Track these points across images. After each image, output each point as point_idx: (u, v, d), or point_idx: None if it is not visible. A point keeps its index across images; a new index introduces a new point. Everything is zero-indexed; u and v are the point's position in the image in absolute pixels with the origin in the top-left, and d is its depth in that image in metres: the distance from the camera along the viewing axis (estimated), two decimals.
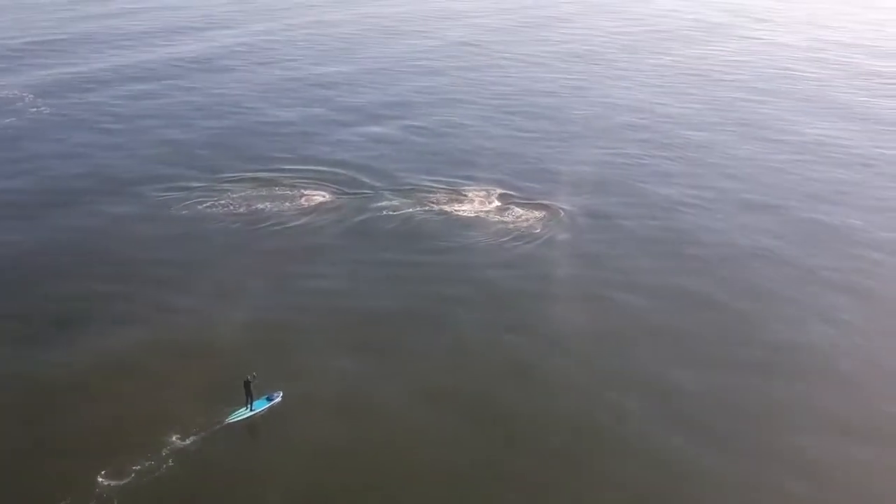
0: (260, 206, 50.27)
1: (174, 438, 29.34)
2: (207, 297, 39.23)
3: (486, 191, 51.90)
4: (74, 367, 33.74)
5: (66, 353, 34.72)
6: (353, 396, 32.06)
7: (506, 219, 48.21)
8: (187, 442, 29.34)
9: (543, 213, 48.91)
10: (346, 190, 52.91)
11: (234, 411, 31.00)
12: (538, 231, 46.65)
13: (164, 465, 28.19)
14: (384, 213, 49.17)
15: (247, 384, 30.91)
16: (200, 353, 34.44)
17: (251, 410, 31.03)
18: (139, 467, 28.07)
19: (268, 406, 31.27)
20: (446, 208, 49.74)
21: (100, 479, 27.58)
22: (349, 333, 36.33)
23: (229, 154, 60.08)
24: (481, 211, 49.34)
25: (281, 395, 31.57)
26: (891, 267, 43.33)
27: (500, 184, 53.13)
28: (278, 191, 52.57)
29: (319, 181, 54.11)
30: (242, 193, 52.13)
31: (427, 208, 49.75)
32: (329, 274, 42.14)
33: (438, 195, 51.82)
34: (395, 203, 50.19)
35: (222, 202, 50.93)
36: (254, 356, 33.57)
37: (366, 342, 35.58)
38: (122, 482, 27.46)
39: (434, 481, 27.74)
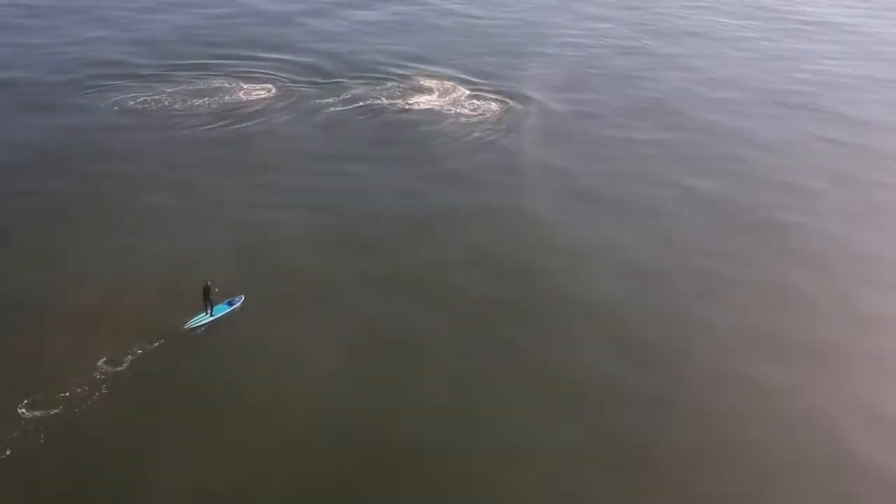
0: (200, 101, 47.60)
1: (130, 349, 27.82)
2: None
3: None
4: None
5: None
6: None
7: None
8: (140, 352, 27.85)
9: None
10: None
11: (193, 317, 29.76)
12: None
13: (122, 371, 26.82)
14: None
15: (206, 290, 29.60)
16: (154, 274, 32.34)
17: (211, 315, 29.89)
18: (100, 375, 26.67)
19: (229, 310, 30.05)
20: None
21: (99, 366, 26.76)
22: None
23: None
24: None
25: (243, 298, 30.37)
26: None
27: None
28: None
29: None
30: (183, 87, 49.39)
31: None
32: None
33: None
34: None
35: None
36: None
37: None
38: (90, 384, 26.13)
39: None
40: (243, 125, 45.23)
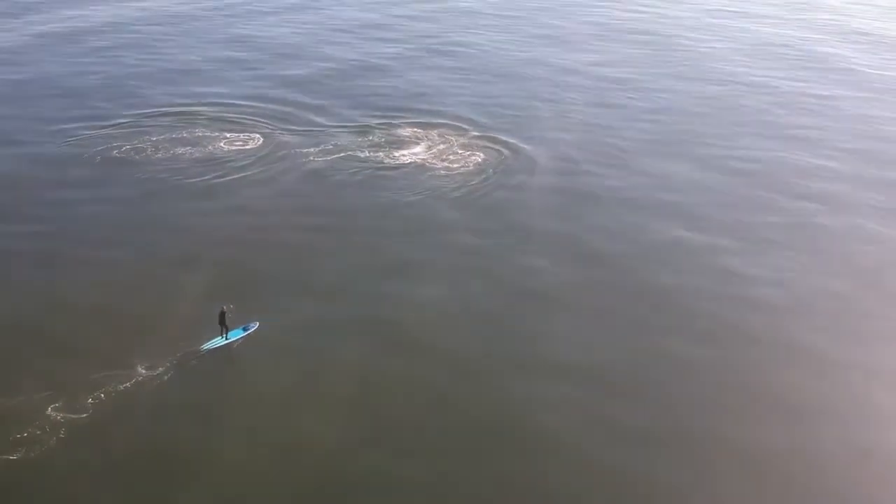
0: (183, 150, 50.33)
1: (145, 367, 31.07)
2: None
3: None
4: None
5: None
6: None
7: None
8: (159, 370, 30.97)
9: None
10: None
11: (210, 340, 32.42)
12: None
13: (137, 387, 30.19)
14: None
15: (222, 315, 32.46)
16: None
17: (226, 339, 32.59)
18: (119, 388, 29.93)
19: (244, 335, 32.96)
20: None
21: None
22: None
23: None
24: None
25: (257, 324, 33.34)
26: None
27: None
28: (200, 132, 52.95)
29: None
30: (164, 136, 52.00)
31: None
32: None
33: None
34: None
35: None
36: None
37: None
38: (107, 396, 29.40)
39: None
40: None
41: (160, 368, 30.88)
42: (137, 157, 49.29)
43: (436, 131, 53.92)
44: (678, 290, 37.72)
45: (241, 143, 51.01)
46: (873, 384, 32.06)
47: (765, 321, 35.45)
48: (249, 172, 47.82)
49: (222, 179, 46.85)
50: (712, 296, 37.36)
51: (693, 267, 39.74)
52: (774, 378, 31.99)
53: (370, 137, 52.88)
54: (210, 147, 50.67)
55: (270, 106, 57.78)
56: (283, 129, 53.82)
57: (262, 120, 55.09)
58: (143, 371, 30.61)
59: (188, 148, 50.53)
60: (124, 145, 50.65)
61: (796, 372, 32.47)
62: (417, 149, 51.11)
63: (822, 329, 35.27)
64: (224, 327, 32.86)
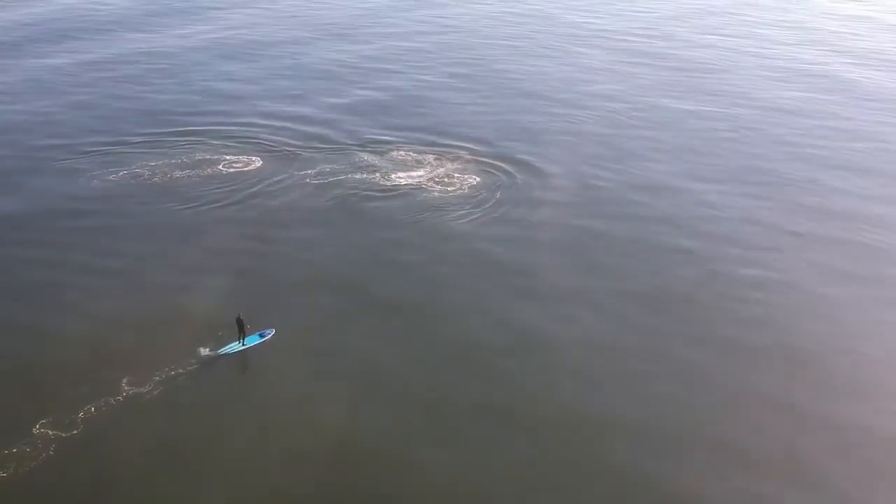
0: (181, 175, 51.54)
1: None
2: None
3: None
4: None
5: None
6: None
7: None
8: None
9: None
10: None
11: (227, 345, 33.68)
12: None
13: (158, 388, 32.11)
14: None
15: (239, 321, 33.76)
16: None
17: (243, 345, 33.82)
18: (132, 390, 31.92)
19: (260, 341, 34.26)
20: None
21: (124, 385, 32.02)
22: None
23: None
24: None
25: (273, 331, 34.67)
26: None
27: None
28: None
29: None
30: (161, 161, 53.29)
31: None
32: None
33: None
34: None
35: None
36: None
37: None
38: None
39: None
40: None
41: (147, 386, 32.03)
42: (134, 181, 50.52)
43: (439, 154, 55.36)
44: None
45: (241, 164, 52.38)
46: None
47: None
48: (250, 195, 49.02)
49: (221, 203, 48.13)
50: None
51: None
52: None
53: (366, 158, 54.29)
54: (210, 170, 51.94)
55: (271, 127, 59.54)
56: (283, 151, 55.22)
57: (262, 142, 56.66)
58: (128, 389, 31.71)
59: (187, 171, 51.69)
60: (121, 170, 51.85)
61: None
62: (421, 171, 52.73)
63: None
64: (241, 333, 34.10)
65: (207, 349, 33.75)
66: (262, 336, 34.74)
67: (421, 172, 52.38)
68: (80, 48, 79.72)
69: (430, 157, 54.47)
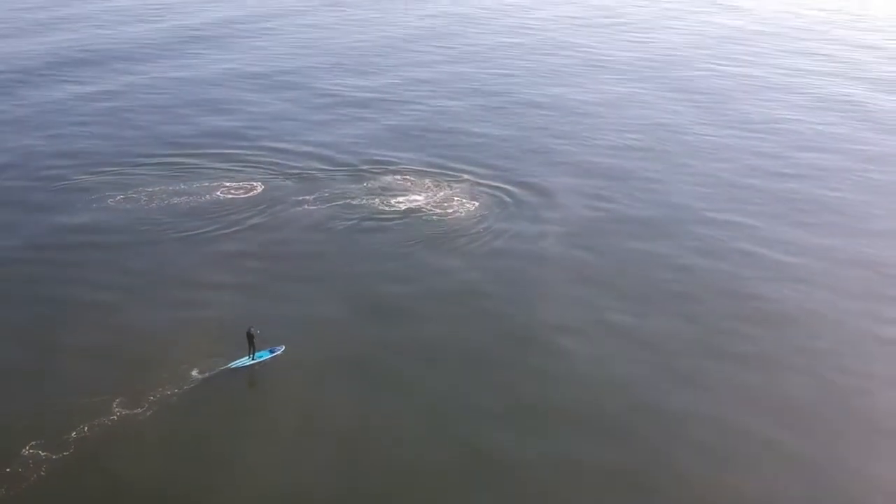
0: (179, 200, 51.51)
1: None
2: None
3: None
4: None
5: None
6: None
7: None
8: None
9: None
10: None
11: (237, 359, 33.35)
12: None
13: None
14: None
15: (249, 336, 33.47)
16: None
17: (253, 359, 33.47)
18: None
19: (269, 357, 33.99)
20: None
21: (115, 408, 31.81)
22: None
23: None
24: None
25: (283, 348, 34.38)
26: None
27: None
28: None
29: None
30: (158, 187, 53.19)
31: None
32: None
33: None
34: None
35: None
36: None
37: None
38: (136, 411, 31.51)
39: None
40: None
41: (140, 408, 31.92)
42: (129, 205, 50.54)
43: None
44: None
45: (242, 191, 52.34)
46: None
47: None
48: (250, 221, 48.95)
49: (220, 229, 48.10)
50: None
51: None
52: None
53: (366, 184, 54.52)
54: (208, 196, 51.86)
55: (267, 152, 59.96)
56: (282, 175, 55.52)
57: (261, 166, 56.97)
58: (120, 411, 31.57)
59: (185, 197, 51.65)
60: (118, 194, 51.78)
61: None
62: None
63: None
64: (252, 347, 33.78)
65: (201, 371, 33.78)
66: (272, 352, 34.47)
67: (420, 196, 52.51)
68: (84, 78, 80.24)
69: (429, 181, 54.66)
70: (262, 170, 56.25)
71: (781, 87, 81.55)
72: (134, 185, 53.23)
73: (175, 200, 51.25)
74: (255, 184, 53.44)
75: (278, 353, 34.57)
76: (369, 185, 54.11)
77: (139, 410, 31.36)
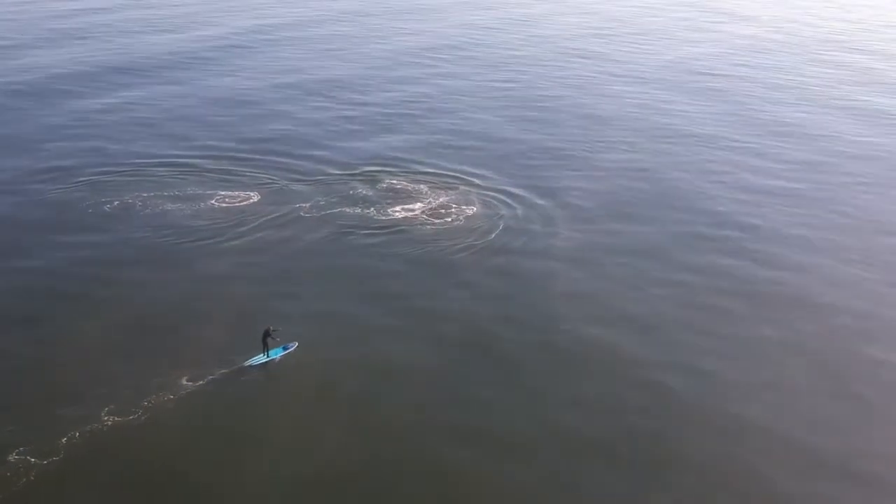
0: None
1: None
2: None
3: None
4: None
5: None
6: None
7: None
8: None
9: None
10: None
11: (252, 357, 35.52)
12: None
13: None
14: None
15: (265, 334, 35.70)
16: None
17: (267, 357, 35.68)
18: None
19: (283, 354, 36.16)
20: None
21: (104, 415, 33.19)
22: None
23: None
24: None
25: (296, 344, 36.64)
26: None
27: None
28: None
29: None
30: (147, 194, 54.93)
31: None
32: None
33: None
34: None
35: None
36: None
37: None
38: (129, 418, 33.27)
39: None
40: None
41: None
42: (125, 212, 52.05)
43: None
44: None
45: (240, 200, 53.86)
46: None
47: None
48: (247, 230, 50.12)
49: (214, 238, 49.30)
50: None
51: None
52: None
53: (365, 190, 55.79)
54: (202, 204, 53.37)
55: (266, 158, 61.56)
56: (282, 182, 56.89)
57: (259, 174, 58.36)
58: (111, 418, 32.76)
59: (179, 204, 52.93)
60: (114, 200, 53.35)
61: None
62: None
63: None
64: (265, 345, 35.98)
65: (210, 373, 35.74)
66: (285, 349, 36.72)
67: (419, 204, 53.56)
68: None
69: (425, 188, 55.91)
70: (256, 177, 57.34)
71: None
72: (127, 191, 55.02)
73: (169, 207, 52.49)
74: (251, 193, 54.53)
75: (291, 349, 36.87)
76: (365, 194, 55.14)
77: (132, 417, 32.72)
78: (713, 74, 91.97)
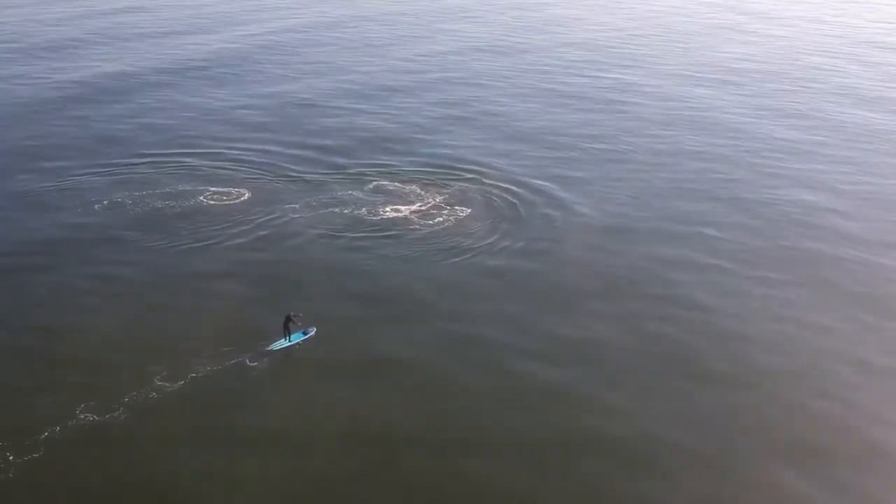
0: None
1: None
2: None
3: None
4: None
5: None
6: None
7: None
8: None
9: None
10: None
11: (275, 342, 37.59)
12: None
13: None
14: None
15: (287, 319, 37.82)
16: None
17: (289, 341, 37.79)
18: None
19: (303, 339, 38.44)
20: None
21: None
22: None
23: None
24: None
25: (315, 329, 38.85)
26: None
27: None
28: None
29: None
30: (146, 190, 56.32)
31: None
32: None
33: None
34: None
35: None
36: None
37: None
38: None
39: None
40: None
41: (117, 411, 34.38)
42: (115, 211, 53.24)
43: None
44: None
45: (231, 198, 55.18)
46: None
47: None
48: (237, 230, 50.93)
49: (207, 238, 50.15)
50: None
51: None
52: None
53: (360, 191, 56.83)
54: (193, 201, 54.51)
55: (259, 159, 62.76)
56: (271, 181, 58.09)
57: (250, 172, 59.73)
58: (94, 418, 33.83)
59: (169, 202, 54.21)
60: (104, 199, 54.71)
61: None
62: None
63: None
64: (286, 330, 38.12)
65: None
66: (305, 333, 38.94)
67: (415, 205, 54.28)
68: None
69: (416, 187, 56.78)
70: (247, 176, 58.53)
71: None
72: (115, 190, 56.32)
73: (160, 205, 53.84)
74: (242, 191, 55.89)
75: (311, 334, 39.04)
76: (357, 195, 55.97)
77: (114, 415, 33.72)
78: None
